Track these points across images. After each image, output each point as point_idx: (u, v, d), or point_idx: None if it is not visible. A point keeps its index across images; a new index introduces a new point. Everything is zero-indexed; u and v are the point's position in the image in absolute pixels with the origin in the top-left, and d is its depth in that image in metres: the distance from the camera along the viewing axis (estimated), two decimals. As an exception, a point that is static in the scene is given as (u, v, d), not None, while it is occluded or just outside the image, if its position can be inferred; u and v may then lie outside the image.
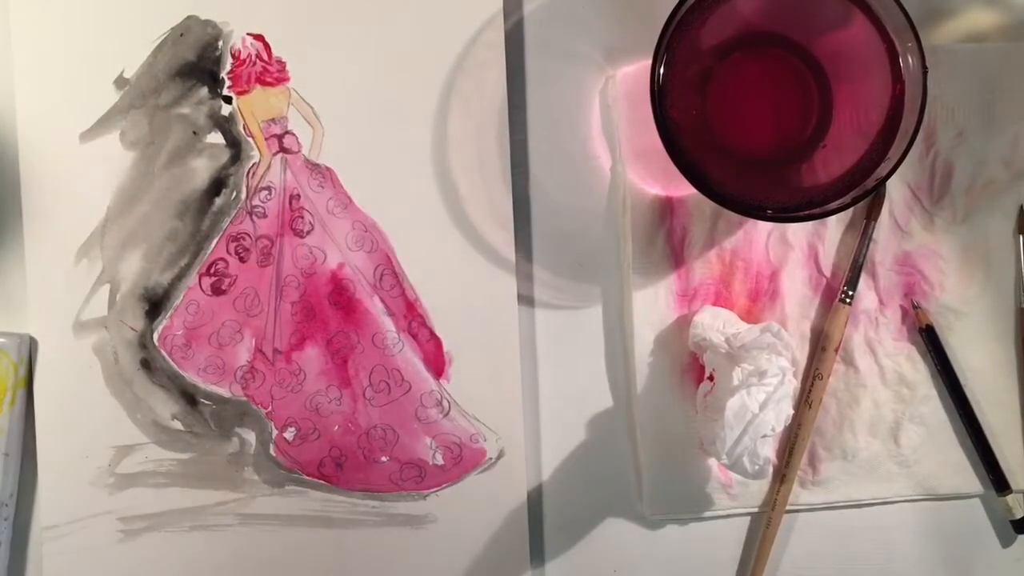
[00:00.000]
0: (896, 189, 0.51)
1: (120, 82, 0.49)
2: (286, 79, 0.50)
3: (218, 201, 0.50)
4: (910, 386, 0.52)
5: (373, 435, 0.51)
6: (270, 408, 0.50)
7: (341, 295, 0.51)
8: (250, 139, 0.50)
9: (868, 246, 0.51)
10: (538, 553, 0.52)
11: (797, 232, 0.51)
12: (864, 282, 0.51)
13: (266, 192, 0.50)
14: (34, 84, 0.49)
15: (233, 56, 0.50)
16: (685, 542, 0.52)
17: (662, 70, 0.43)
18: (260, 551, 0.50)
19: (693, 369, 0.51)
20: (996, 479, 0.52)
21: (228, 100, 0.50)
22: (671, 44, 0.43)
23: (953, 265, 0.52)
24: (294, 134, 0.50)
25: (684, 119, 0.44)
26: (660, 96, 0.43)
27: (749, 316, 0.51)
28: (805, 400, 0.51)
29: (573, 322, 0.51)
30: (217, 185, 0.50)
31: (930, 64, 0.42)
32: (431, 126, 0.50)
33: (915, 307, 0.52)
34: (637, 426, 0.51)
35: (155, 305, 0.50)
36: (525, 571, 0.51)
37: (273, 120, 0.50)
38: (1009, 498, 0.52)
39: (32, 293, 0.49)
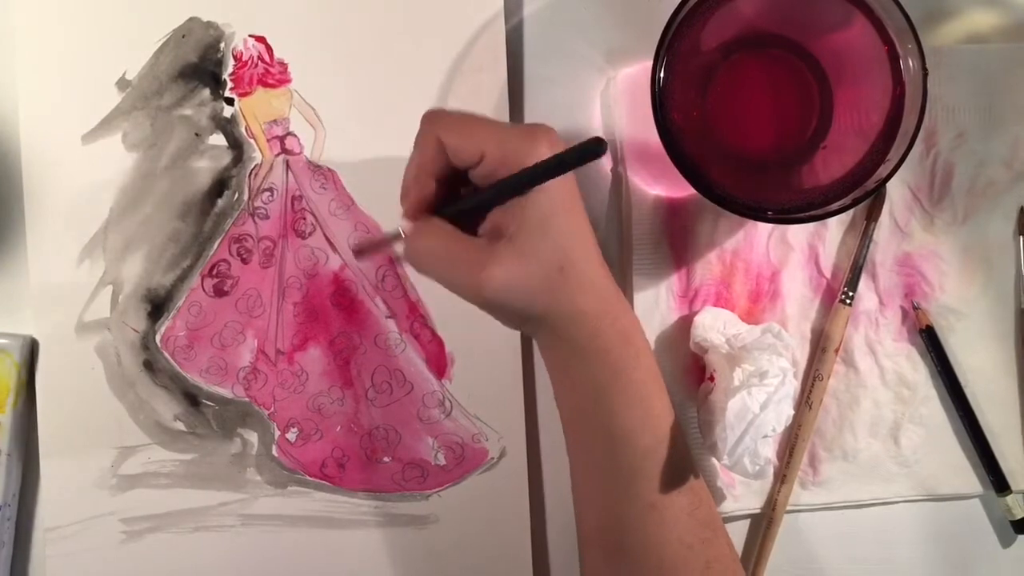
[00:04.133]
0: (896, 190, 0.51)
1: (122, 84, 0.49)
2: (288, 81, 0.50)
3: (220, 202, 0.50)
4: (910, 387, 0.52)
5: (375, 435, 0.51)
6: (272, 409, 0.50)
7: (343, 296, 0.51)
8: (252, 141, 0.50)
9: (868, 247, 0.51)
10: (541, 552, 0.52)
11: (797, 233, 0.51)
12: (864, 283, 0.52)
13: (268, 193, 0.50)
14: (36, 86, 0.49)
15: (235, 58, 0.50)
16: (686, 542, 0.52)
17: (663, 72, 0.43)
18: (263, 552, 0.50)
19: (694, 369, 0.51)
20: (996, 479, 0.52)
21: (230, 102, 0.50)
22: (672, 46, 0.43)
23: (953, 266, 0.52)
24: (296, 136, 0.50)
25: (685, 121, 0.44)
26: (661, 98, 0.43)
27: (750, 317, 0.51)
28: (805, 401, 0.51)
29: (574, 323, 0.50)
30: (219, 186, 0.50)
31: (930, 65, 0.42)
32: (432, 127, 0.50)
33: (915, 308, 0.52)
34: (638, 426, 0.51)
35: (157, 306, 0.50)
36: (527, 570, 0.51)
37: (275, 122, 0.50)
38: (1009, 498, 0.52)
39: (35, 294, 0.49)
